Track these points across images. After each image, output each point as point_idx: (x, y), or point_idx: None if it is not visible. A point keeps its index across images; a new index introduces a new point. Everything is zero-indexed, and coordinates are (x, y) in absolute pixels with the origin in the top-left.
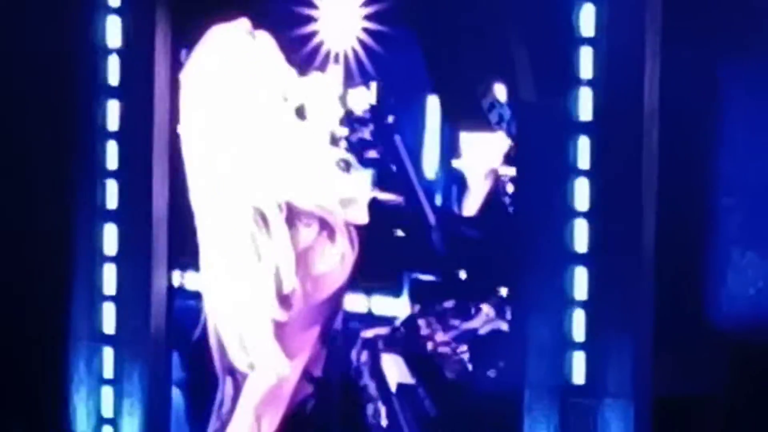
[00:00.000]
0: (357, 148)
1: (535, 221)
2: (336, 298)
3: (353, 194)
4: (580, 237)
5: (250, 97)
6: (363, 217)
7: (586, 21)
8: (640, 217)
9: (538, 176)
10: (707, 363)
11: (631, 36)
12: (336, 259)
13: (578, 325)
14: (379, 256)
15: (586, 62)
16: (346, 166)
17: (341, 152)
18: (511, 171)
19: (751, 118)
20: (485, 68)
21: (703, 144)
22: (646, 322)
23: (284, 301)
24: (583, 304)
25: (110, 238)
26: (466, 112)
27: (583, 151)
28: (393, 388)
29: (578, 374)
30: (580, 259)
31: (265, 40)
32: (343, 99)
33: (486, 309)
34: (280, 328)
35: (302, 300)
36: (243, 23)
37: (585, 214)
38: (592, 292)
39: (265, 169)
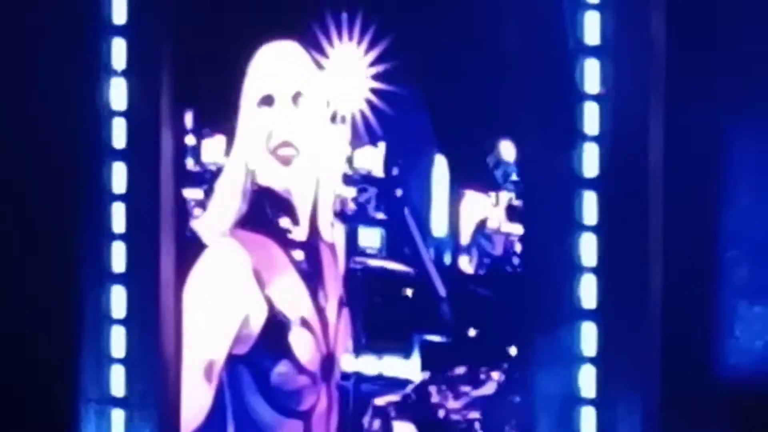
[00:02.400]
0: (364, 208)
1: (543, 278)
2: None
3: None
4: (588, 293)
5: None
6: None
7: (591, 77)
8: (647, 272)
9: (545, 233)
10: (716, 417)
11: (636, 92)
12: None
13: (588, 381)
14: (388, 318)
15: (591, 118)
16: None
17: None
18: (518, 229)
19: (756, 171)
20: (489, 126)
21: (708, 198)
22: (654, 376)
23: None
24: (592, 360)
25: (118, 300)
26: (471, 171)
27: (590, 206)
28: None
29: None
30: (588, 314)
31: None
32: (350, 159)
33: (496, 375)
34: None
35: None
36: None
37: (592, 270)
38: (600, 348)
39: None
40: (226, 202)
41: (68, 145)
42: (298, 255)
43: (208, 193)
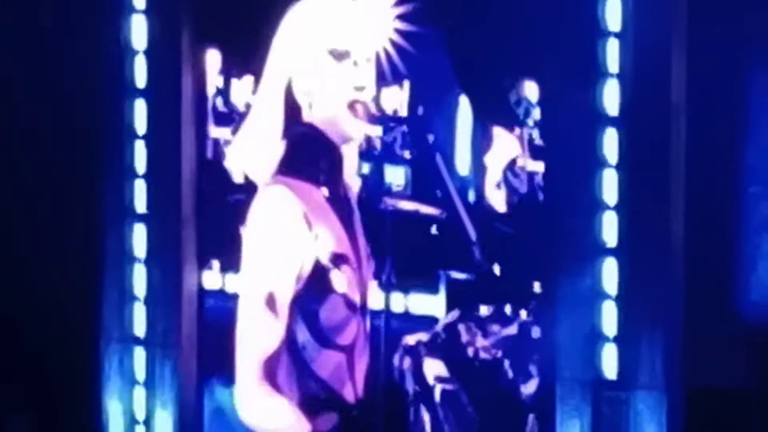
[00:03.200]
0: (390, 147)
1: (565, 215)
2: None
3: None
4: (610, 230)
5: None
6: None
7: (612, 14)
8: (669, 209)
9: (567, 170)
10: (738, 353)
11: (657, 28)
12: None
13: (609, 318)
14: (414, 255)
15: (612, 55)
16: None
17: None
18: (540, 167)
19: None
20: (510, 64)
21: (730, 134)
22: (677, 313)
23: None
24: (614, 297)
25: (140, 238)
26: (493, 109)
27: (611, 144)
28: (436, 393)
29: (610, 367)
30: (610, 252)
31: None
32: (376, 99)
33: (523, 314)
34: None
35: None
36: None
37: (614, 207)
38: (622, 285)
39: None
40: (265, 143)
41: (90, 84)
42: (336, 197)
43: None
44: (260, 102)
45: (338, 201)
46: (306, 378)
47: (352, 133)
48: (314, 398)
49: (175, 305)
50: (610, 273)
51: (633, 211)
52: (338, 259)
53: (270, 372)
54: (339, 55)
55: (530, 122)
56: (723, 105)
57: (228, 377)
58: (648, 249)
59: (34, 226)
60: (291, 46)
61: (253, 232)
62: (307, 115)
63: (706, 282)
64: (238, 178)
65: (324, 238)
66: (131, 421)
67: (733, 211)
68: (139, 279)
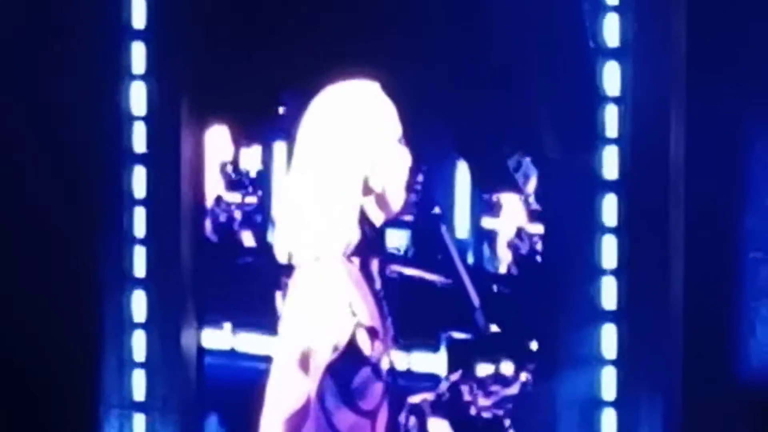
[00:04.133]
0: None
1: (565, 280)
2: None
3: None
4: (609, 295)
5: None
6: None
7: (611, 79)
8: (668, 274)
9: (566, 235)
10: (737, 420)
11: (655, 93)
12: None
13: (609, 383)
14: (417, 315)
15: (611, 120)
16: None
17: None
18: (539, 229)
19: None
20: (510, 129)
21: (729, 198)
22: (676, 378)
23: None
24: (613, 362)
25: (139, 304)
26: (492, 174)
27: (610, 209)
28: None
29: None
30: (609, 316)
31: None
32: None
33: (523, 376)
34: None
35: None
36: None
37: (613, 272)
38: (621, 350)
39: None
40: (338, 228)
41: (89, 149)
42: (367, 271)
43: (247, 198)
44: (329, 189)
45: (368, 274)
46: None
47: (399, 209)
48: None
49: (176, 370)
50: (609, 338)
51: (632, 276)
52: (371, 333)
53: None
54: (400, 141)
55: (530, 188)
56: (723, 169)
57: None
58: (647, 314)
59: (33, 292)
60: (366, 139)
61: (301, 300)
62: (371, 202)
63: (706, 347)
64: (282, 258)
65: (360, 312)
66: None
67: (733, 275)
68: (139, 344)
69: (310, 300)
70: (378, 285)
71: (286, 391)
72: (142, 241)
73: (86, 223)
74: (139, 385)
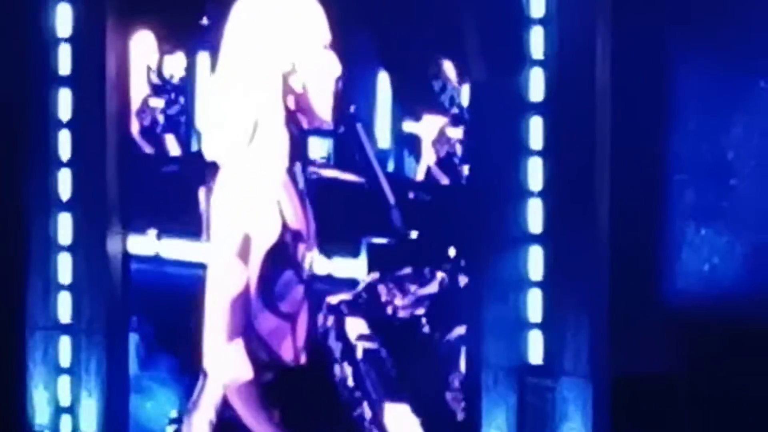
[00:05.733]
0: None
1: (490, 202)
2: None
3: None
4: (535, 217)
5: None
6: None
7: (537, 0)
8: (594, 196)
9: (492, 157)
10: (663, 341)
11: (581, 14)
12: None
13: (535, 305)
14: (337, 222)
15: (537, 42)
16: None
17: None
18: (459, 134)
19: (704, 95)
20: (436, 49)
21: (656, 121)
22: (602, 301)
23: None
24: (539, 284)
25: (65, 227)
26: (417, 92)
27: (536, 131)
28: (358, 351)
29: (536, 354)
30: (535, 238)
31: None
32: None
33: (440, 275)
34: None
35: None
36: None
37: (539, 194)
38: (547, 272)
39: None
40: (264, 127)
41: (14, 73)
42: (293, 176)
43: (170, 104)
44: (247, 89)
45: (293, 176)
46: (250, 334)
47: (328, 117)
48: (254, 353)
49: (102, 292)
50: (535, 260)
51: (558, 198)
52: (296, 236)
53: (231, 318)
54: (326, 47)
55: (455, 108)
56: (648, 92)
57: (162, 355)
58: (573, 236)
59: None
60: (288, 40)
61: (232, 195)
62: (294, 103)
63: (631, 269)
64: (210, 157)
65: (287, 213)
66: (57, 410)
67: (658, 198)
68: (65, 267)
69: (241, 194)
70: (302, 187)
71: (227, 280)
72: (67, 164)
73: (11, 146)
74: (64, 307)
